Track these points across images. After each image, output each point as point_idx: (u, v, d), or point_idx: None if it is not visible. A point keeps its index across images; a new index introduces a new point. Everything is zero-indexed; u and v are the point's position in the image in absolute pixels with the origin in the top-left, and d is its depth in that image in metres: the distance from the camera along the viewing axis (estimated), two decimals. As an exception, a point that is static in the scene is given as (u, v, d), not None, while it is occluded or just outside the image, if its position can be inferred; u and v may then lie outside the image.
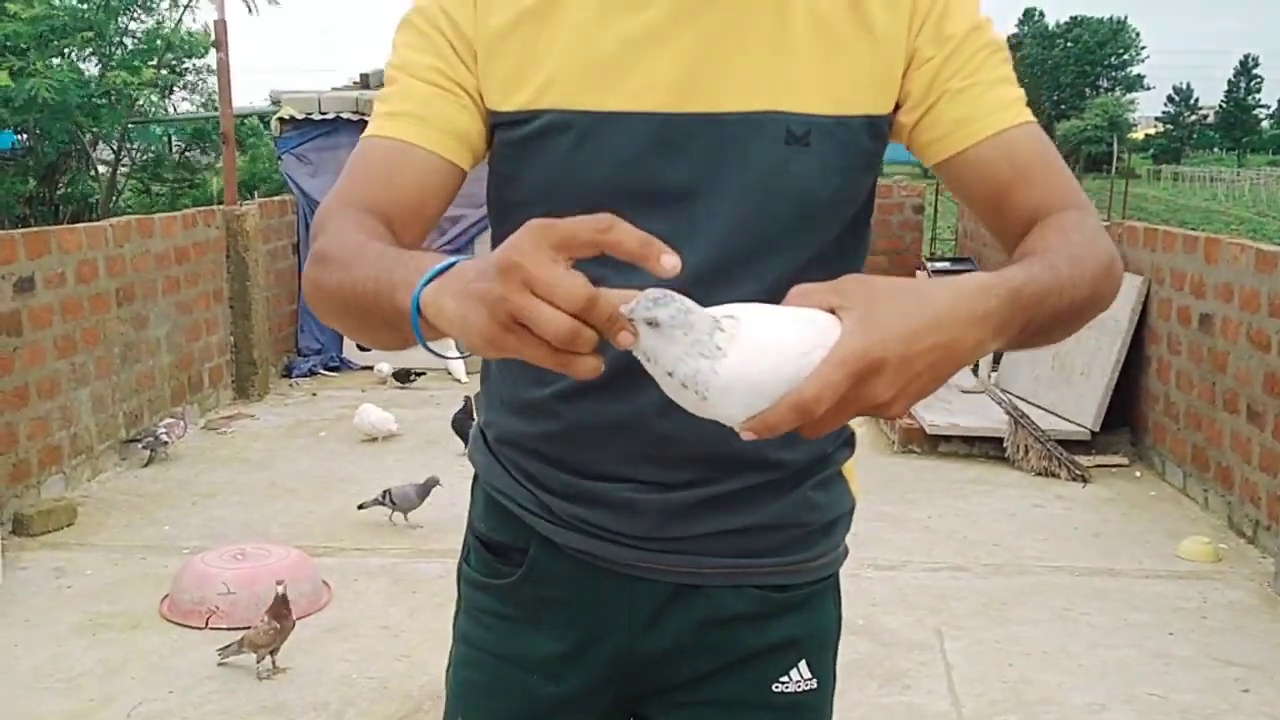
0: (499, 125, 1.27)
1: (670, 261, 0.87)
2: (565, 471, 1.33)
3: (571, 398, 1.29)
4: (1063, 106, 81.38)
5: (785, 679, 1.37)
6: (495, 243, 1.32)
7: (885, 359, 0.93)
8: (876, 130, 1.26)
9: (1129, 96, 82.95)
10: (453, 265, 0.96)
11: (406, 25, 1.29)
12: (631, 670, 1.38)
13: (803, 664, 1.38)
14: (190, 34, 11.60)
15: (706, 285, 1.19)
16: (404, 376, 7.94)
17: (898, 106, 1.27)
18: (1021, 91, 1.28)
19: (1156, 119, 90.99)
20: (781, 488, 1.33)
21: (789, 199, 1.23)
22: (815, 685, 1.39)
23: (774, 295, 1.15)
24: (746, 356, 0.91)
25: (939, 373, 0.97)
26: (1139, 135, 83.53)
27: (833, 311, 0.95)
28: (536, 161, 1.25)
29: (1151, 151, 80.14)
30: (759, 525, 1.33)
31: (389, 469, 6.01)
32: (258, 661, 3.74)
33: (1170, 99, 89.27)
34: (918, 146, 1.28)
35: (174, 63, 11.32)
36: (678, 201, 1.23)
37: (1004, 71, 1.27)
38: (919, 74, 1.24)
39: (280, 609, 3.72)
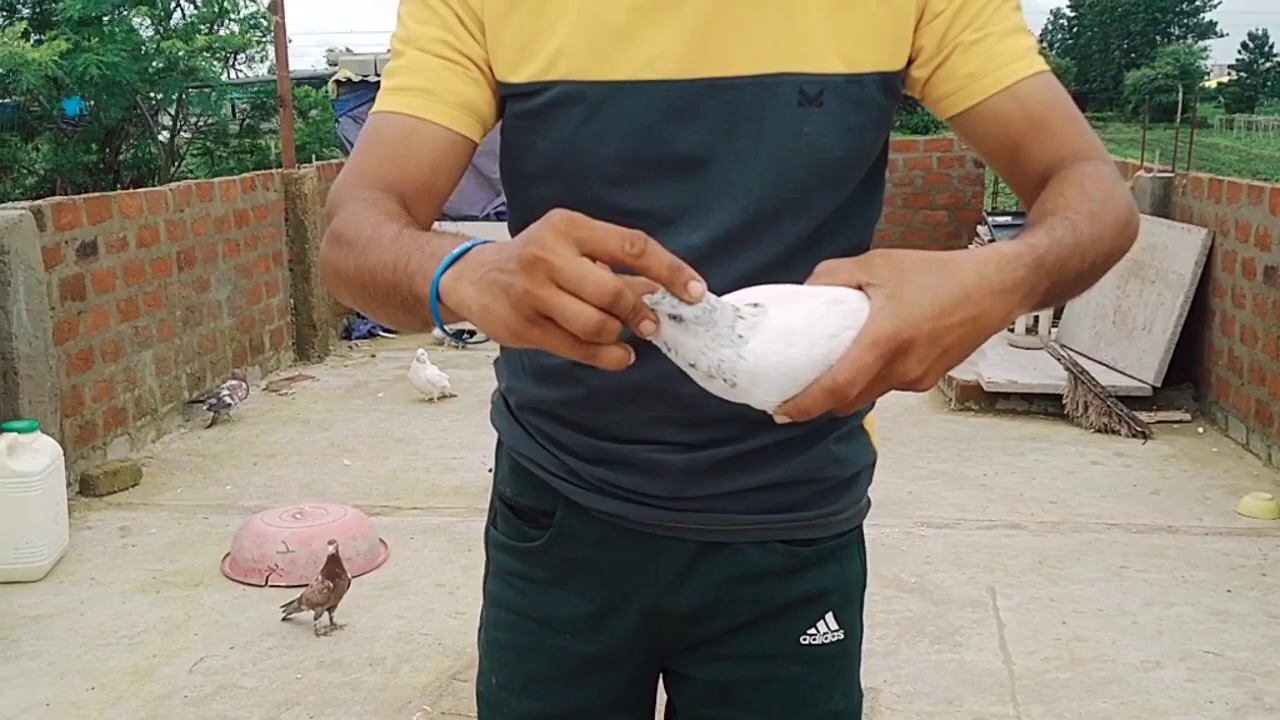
0: (510, 97, 1.26)
1: (698, 289, 0.89)
2: (589, 435, 1.34)
3: None
4: (1133, 55, 79.72)
5: (812, 631, 1.38)
6: (512, 212, 1.34)
7: (915, 338, 0.94)
8: (890, 87, 1.25)
9: (1201, 44, 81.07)
10: (470, 249, 0.97)
11: None
12: (660, 628, 1.39)
13: (829, 616, 1.39)
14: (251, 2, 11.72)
15: (726, 251, 1.21)
16: (460, 337, 7.98)
17: (911, 61, 1.26)
18: (1034, 40, 1.27)
19: (1230, 67, 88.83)
20: (804, 443, 1.33)
21: (805, 160, 1.22)
22: (842, 636, 1.40)
23: (793, 257, 1.18)
24: (775, 343, 0.92)
25: (967, 346, 0.98)
26: (1211, 84, 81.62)
27: (860, 288, 0.96)
28: (549, 133, 1.24)
29: (1224, 100, 78.30)
30: (783, 481, 1.33)
31: (445, 429, 6.07)
32: (315, 619, 3.82)
33: (1244, 46, 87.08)
34: (931, 101, 1.27)
35: (232, 28, 11.39)
36: (694, 169, 1.22)
37: (1015, 20, 1.25)
38: (930, 28, 1.23)
39: (333, 568, 3.78)
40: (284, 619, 3.86)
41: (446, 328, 1.02)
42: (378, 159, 1.24)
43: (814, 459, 1.34)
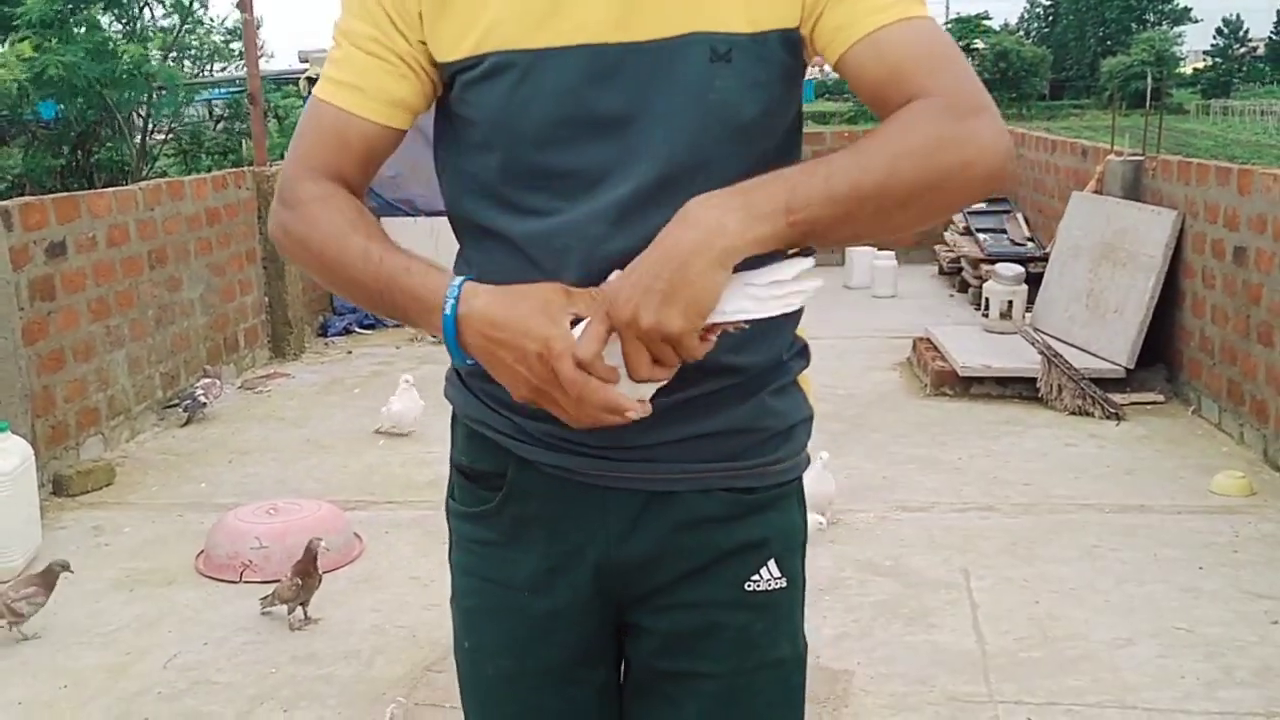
0: (454, 73, 1.35)
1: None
2: None
3: None
4: (1109, 43, 79.89)
5: (756, 578, 1.44)
6: (450, 182, 1.42)
7: (619, 287, 1.17)
8: (791, 45, 1.31)
9: (1176, 30, 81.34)
10: (461, 289, 1.24)
11: None
12: (613, 580, 1.44)
13: (772, 563, 1.45)
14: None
15: (650, 202, 1.30)
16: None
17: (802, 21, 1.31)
18: None
19: (1205, 53, 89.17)
20: (741, 393, 1.39)
21: (718, 116, 1.29)
22: (785, 584, 1.46)
23: None
24: None
25: (688, 270, 1.16)
26: (1187, 70, 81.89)
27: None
28: (485, 102, 1.33)
29: (1200, 86, 78.62)
30: (723, 430, 1.39)
31: (423, 424, 6.05)
32: (289, 613, 3.81)
33: (1219, 31, 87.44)
34: (819, 56, 1.33)
35: (196, 31, 11.33)
36: (615, 127, 1.30)
37: None
38: None
39: (308, 566, 3.78)
40: (263, 612, 3.86)
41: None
42: (321, 146, 1.39)
43: (751, 410, 1.40)
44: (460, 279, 1.24)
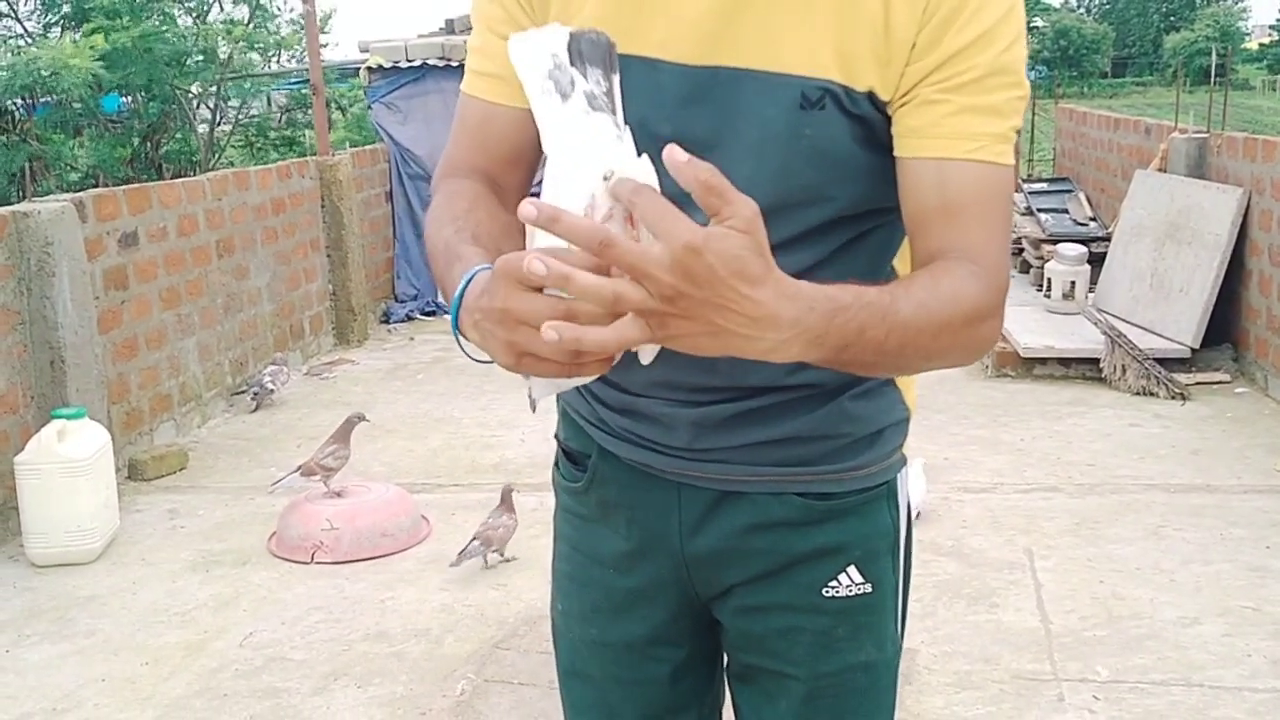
0: None
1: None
2: (613, 387, 1.41)
3: None
4: (1171, 18, 78.49)
5: (834, 584, 1.40)
6: None
7: (714, 269, 0.94)
8: (880, 108, 1.25)
9: (1241, 4, 79.70)
10: (466, 290, 1.08)
11: None
12: (687, 572, 1.44)
13: (852, 569, 1.40)
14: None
15: None
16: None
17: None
18: (1007, 128, 1.22)
19: (1271, 27, 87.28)
20: (816, 400, 1.35)
21: (804, 159, 1.24)
22: (870, 590, 1.41)
23: (796, 246, 1.25)
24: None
25: (732, 326, 0.97)
26: (1253, 45, 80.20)
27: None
28: None
29: (1266, 61, 76.97)
30: (795, 436, 1.36)
31: (485, 408, 6.14)
32: (501, 557, 4.13)
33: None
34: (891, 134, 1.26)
35: (265, 22, 11.48)
36: (700, 152, 1.23)
37: (990, 101, 1.21)
38: (911, 70, 1.22)
39: (510, 506, 4.12)
40: (453, 564, 4.08)
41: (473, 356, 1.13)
42: (464, 145, 1.38)
43: (827, 416, 1.36)
44: (473, 271, 1.10)
